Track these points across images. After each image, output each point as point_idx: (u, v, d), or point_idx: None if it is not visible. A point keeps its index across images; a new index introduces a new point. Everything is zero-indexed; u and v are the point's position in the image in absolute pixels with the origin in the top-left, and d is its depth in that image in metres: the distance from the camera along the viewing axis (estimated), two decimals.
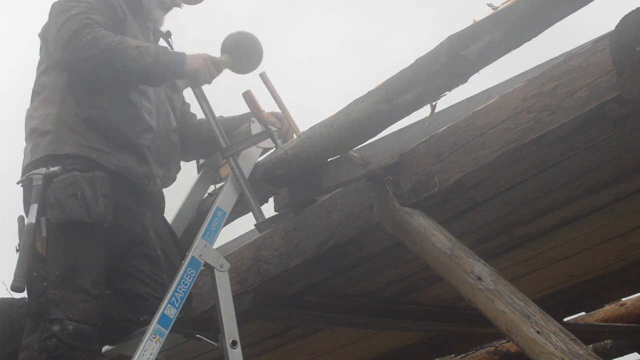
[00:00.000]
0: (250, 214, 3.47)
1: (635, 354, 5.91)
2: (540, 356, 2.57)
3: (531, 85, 2.81)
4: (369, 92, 3.02)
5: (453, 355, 5.99)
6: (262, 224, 3.44)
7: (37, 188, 3.15)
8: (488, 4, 2.73)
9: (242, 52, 3.59)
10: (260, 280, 3.65)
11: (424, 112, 3.05)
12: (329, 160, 3.31)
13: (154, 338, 3.03)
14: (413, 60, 2.85)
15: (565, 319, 5.10)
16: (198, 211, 3.80)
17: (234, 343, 3.15)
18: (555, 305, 4.71)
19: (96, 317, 3.11)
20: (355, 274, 3.77)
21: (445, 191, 3.04)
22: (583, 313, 5.50)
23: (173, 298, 3.12)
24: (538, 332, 2.59)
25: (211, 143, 3.65)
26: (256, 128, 3.67)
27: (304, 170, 3.34)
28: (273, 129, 3.61)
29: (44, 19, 3.46)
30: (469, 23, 2.72)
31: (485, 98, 3.16)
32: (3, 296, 3.47)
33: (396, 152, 3.22)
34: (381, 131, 3.14)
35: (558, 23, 2.58)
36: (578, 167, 3.05)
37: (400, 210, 3.13)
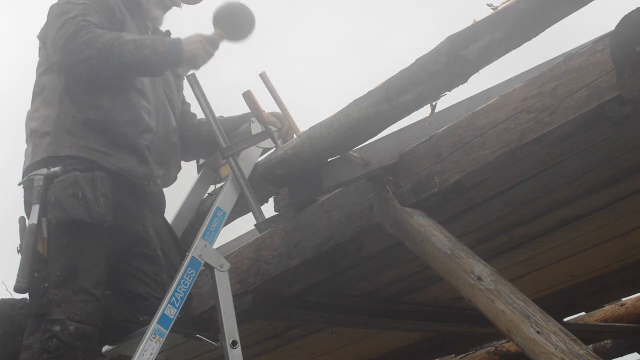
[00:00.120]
0: (250, 214, 3.47)
1: (635, 354, 5.92)
2: (540, 356, 2.57)
3: (531, 85, 2.81)
4: (369, 92, 3.02)
5: (453, 355, 5.99)
6: (262, 224, 3.44)
7: (38, 189, 3.16)
8: (488, 4, 2.73)
9: (233, 22, 3.58)
10: (260, 280, 3.65)
11: (424, 112, 3.05)
12: (329, 160, 3.31)
13: (154, 338, 3.03)
14: (413, 60, 2.85)
15: (565, 319, 5.10)
16: (198, 211, 3.80)
17: (234, 343, 3.15)
18: (555, 305, 4.71)
19: (97, 317, 3.11)
20: (355, 274, 3.77)
21: (445, 191, 3.04)
22: (583, 313, 5.51)
23: (173, 298, 3.13)
24: (538, 332, 2.59)
25: (211, 143, 3.65)
26: (256, 128, 3.66)
27: (304, 170, 3.34)
28: (273, 129, 3.61)
29: (44, 19, 3.47)
30: (469, 23, 2.72)
31: (485, 98, 3.16)
32: (3, 296, 3.48)
33: (396, 152, 3.22)
34: (381, 131, 3.14)
35: (558, 23, 2.58)
36: (578, 167, 3.05)
37: (400, 210, 3.13)
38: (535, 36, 2.61)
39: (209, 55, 3.45)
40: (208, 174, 3.86)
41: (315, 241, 3.44)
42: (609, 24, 2.53)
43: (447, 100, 3.02)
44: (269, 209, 3.64)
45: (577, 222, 3.66)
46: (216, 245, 3.34)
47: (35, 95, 3.43)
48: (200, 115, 3.78)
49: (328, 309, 4.00)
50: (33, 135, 3.34)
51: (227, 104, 3.96)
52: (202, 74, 3.61)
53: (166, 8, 3.70)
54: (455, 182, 3.00)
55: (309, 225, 3.48)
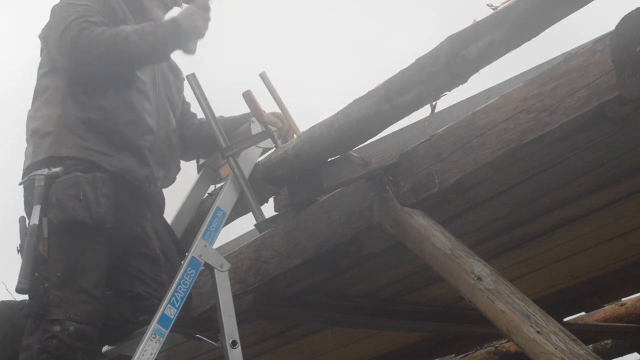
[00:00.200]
0: (250, 214, 3.47)
1: (635, 354, 5.92)
2: (540, 356, 2.57)
3: (531, 85, 2.81)
4: (369, 92, 3.02)
5: (453, 355, 5.99)
6: (262, 224, 3.44)
7: (39, 189, 3.15)
8: (488, 4, 2.73)
9: None
10: (260, 280, 3.65)
11: (424, 112, 3.05)
12: (329, 160, 3.31)
13: (154, 338, 3.03)
14: (413, 60, 2.85)
15: (565, 319, 5.10)
16: (198, 211, 3.80)
17: (234, 343, 3.15)
18: (555, 305, 4.71)
19: (97, 318, 3.11)
20: (355, 274, 3.77)
21: (445, 191, 3.04)
22: (583, 313, 5.50)
23: (173, 298, 3.12)
24: (538, 332, 2.59)
25: (211, 143, 3.65)
26: (256, 128, 3.66)
27: (304, 170, 3.34)
28: (273, 129, 3.61)
29: (44, 19, 3.47)
30: (469, 23, 2.72)
31: (485, 98, 3.16)
32: (3, 296, 3.48)
33: (396, 152, 3.22)
34: (381, 131, 3.14)
35: (558, 23, 2.58)
36: (578, 167, 3.05)
37: (400, 210, 3.13)
38: (535, 36, 2.61)
39: (207, 20, 3.45)
40: (208, 174, 3.86)
41: (315, 241, 3.44)
42: (609, 24, 2.53)
43: (447, 100, 3.02)
44: (269, 209, 3.64)
45: (577, 222, 3.66)
46: (216, 245, 3.34)
47: (36, 94, 3.43)
48: (200, 115, 3.78)
49: (328, 309, 4.00)
50: (34, 135, 3.33)
51: (227, 104, 3.96)
52: (202, 74, 3.62)
53: (167, 8, 3.70)
54: (455, 182, 3.00)
55: (309, 225, 3.48)
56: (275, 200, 3.71)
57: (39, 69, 3.48)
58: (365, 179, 3.26)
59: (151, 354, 3.00)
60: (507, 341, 5.71)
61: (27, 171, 3.29)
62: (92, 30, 3.25)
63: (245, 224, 3.86)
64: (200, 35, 3.45)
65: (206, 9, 3.47)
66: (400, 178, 3.17)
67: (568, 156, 2.91)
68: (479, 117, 2.95)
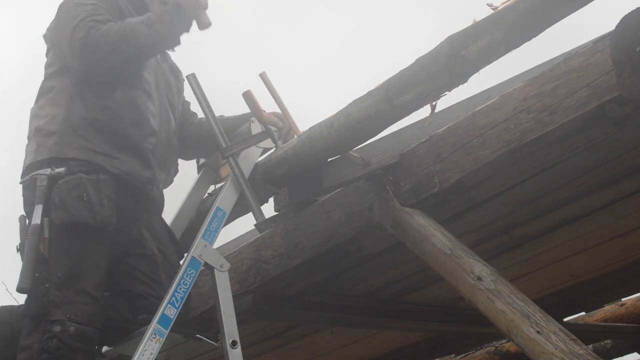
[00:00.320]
0: (250, 214, 3.47)
1: (635, 354, 5.91)
2: (540, 356, 2.57)
3: (531, 85, 2.81)
4: (369, 92, 3.02)
5: (453, 355, 5.99)
6: (262, 224, 3.44)
7: (41, 189, 3.15)
8: (488, 4, 2.73)
9: None
10: (260, 280, 3.65)
11: (424, 112, 3.05)
12: (329, 160, 3.31)
13: (154, 338, 3.03)
14: (413, 60, 2.85)
15: (565, 319, 5.10)
16: (198, 211, 3.80)
17: (234, 343, 3.15)
18: (555, 305, 4.71)
19: (98, 319, 3.11)
20: (355, 274, 3.77)
21: (445, 191, 3.04)
22: (583, 313, 5.50)
23: (173, 298, 3.12)
24: (538, 332, 2.59)
25: (211, 143, 3.65)
26: (256, 128, 3.66)
27: (304, 170, 3.34)
28: (273, 129, 3.61)
29: (44, 19, 3.46)
30: (469, 23, 2.72)
31: (485, 98, 3.16)
32: (3, 296, 3.48)
33: (396, 152, 3.22)
34: (381, 131, 3.14)
35: (558, 23, 2.58)
36: (578, 167, 3.05)
37: (400, 210, 3.13)
38: (535, 36, 2.61)
39: None
40: (208, 174, 3.86)
41: (315, 241, 3.44)
42: (609, 24, 2.53)
43: (447, 100, 3.03)
44: (269, 209, 3.65)
45: (577, 222, 3.66)
46: (216, 245, 3.34)
47: (41, 92, 3.42)
48: (200, 114, 3.78)
49: (328, 309, 4.00)
50: (38, 133, 3.32)
51: (227, 104, 3.96)
52: (202, 74, 3.62)
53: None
54: (455, 182, 3.00)
55: (309, 225, 3.48)
56: (275, 200, 3.71)
57: (46, 68, 3.47)
58: (365, 179, 3.26)
59: (151, 354, 3.00)
60: (507, 341, 5.71)
61: (28, 169, 3.28)
62: (99, 28, 3.24)
63: (245, 224, 3.87)
64: (204, 6, 3.42)
65: None
66: (400, 178, 3.17)
67: (568, 156, 2.91)
68: (479, 117, 2.95)
